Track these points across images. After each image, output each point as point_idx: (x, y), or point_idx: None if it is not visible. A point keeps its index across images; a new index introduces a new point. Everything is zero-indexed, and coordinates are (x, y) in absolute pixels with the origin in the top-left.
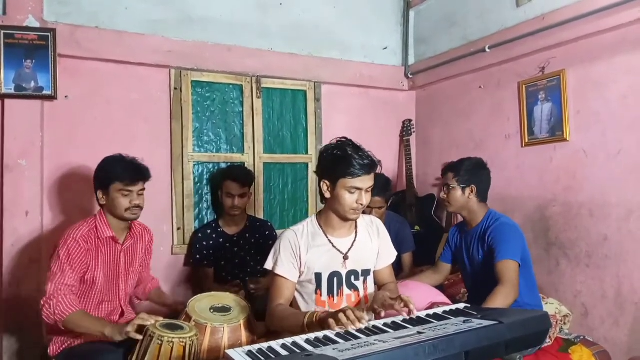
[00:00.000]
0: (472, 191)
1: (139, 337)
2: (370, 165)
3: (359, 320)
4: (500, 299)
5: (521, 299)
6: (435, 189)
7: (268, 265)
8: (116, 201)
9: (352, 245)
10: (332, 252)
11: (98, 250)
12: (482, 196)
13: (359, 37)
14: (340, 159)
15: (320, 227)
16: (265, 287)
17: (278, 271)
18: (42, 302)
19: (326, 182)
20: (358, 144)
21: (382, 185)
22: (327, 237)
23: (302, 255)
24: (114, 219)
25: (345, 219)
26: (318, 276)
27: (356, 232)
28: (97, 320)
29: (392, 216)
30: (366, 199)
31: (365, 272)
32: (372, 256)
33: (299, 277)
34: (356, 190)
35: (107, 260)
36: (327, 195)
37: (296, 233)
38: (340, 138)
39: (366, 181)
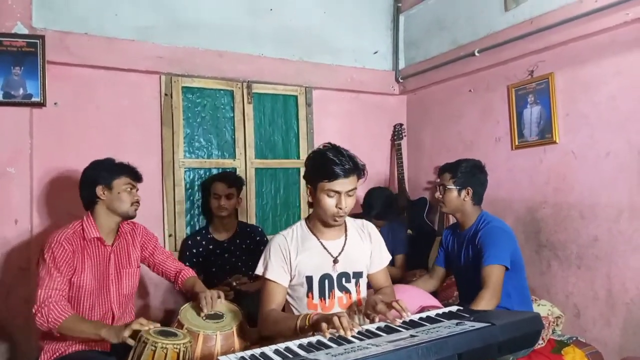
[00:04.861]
0: (467, 193)
1: (132, 342)
2: (350, 168)
3: (352, 329)
4: (482, 303)
5: (511, 304)
6: (427, 193)
7: (259, 270)
8: (122, 195)
9: (343, 248)
10: (322, 254)
11: (85, 252)
12: (477, 199)
13: (350, 41)
14: (320, 163)
15: (310, 230)
16: (256, 288)
17: (269, 276)
18: (34, 310)
19: (309, 186)
20: (343, 149)
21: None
22: (319, 240)
23: (292, 259)
24: (107, 218)
25: (327, 224)
26: (309, 279)
27: (346, 234)
28: (92, 323)
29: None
30: (346, 202)
31: (357, 274)
32: (363, 258)
33: (290, 281)
34: (335, 194)
35: (96, 262)
36: (310, 199)
37: (285, 237)
38: (326, 144)
39: (345, 184)
